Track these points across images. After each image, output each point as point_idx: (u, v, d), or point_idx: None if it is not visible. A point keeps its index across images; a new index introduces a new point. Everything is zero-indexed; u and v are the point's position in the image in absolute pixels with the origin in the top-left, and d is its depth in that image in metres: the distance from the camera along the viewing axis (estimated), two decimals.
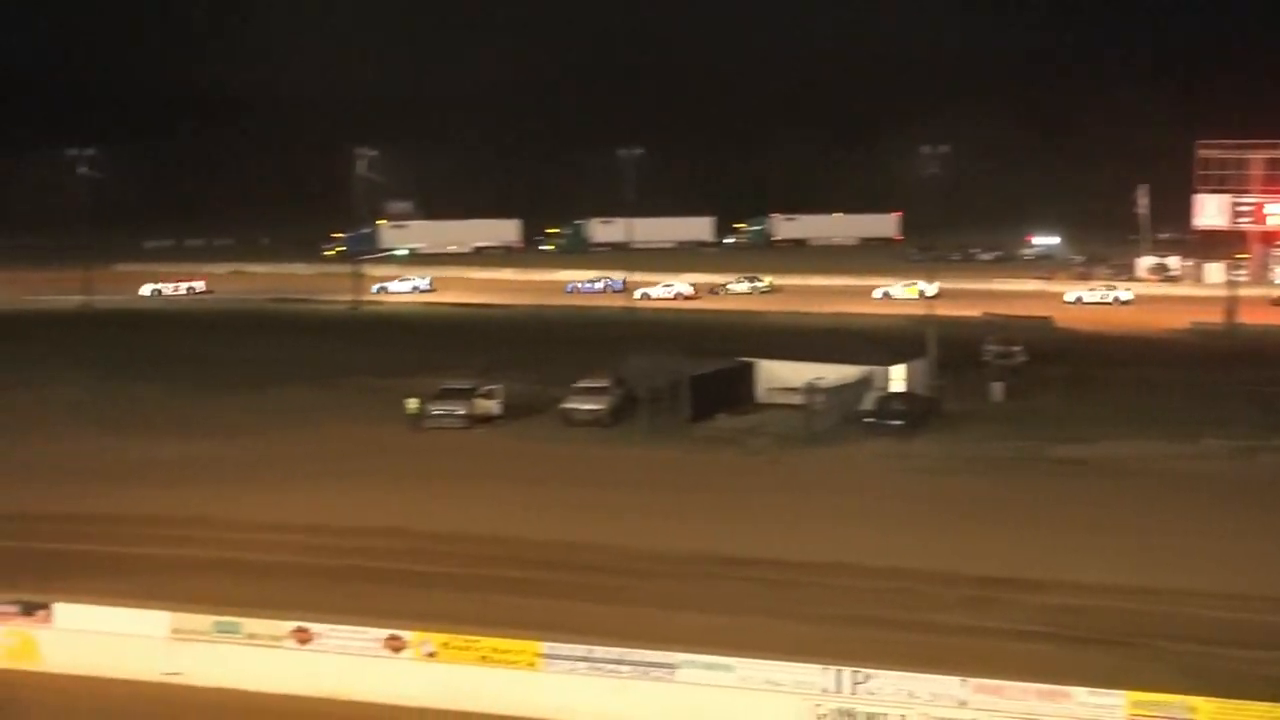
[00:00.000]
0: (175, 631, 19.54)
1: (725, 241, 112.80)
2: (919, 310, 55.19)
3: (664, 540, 25.33)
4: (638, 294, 73.19)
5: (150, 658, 19.19)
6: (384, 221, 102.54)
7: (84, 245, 71.94)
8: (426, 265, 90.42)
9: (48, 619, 19.73)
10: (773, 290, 78.04)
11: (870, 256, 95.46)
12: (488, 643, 17.83)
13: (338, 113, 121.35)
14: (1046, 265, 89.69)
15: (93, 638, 19.43)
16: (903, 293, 71.27)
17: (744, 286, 78.37)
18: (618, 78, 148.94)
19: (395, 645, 17.97)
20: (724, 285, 78.76)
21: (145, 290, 76.43)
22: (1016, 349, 44.05)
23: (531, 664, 17.59)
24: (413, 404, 36.93)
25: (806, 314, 64.98)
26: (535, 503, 28.35)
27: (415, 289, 79.46)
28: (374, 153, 77.69)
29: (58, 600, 19.98)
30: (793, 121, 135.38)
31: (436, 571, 23.19)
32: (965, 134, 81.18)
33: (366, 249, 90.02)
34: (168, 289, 77.77)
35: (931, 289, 60.05)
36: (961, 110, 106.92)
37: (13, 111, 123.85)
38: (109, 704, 18.18)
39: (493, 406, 38.02)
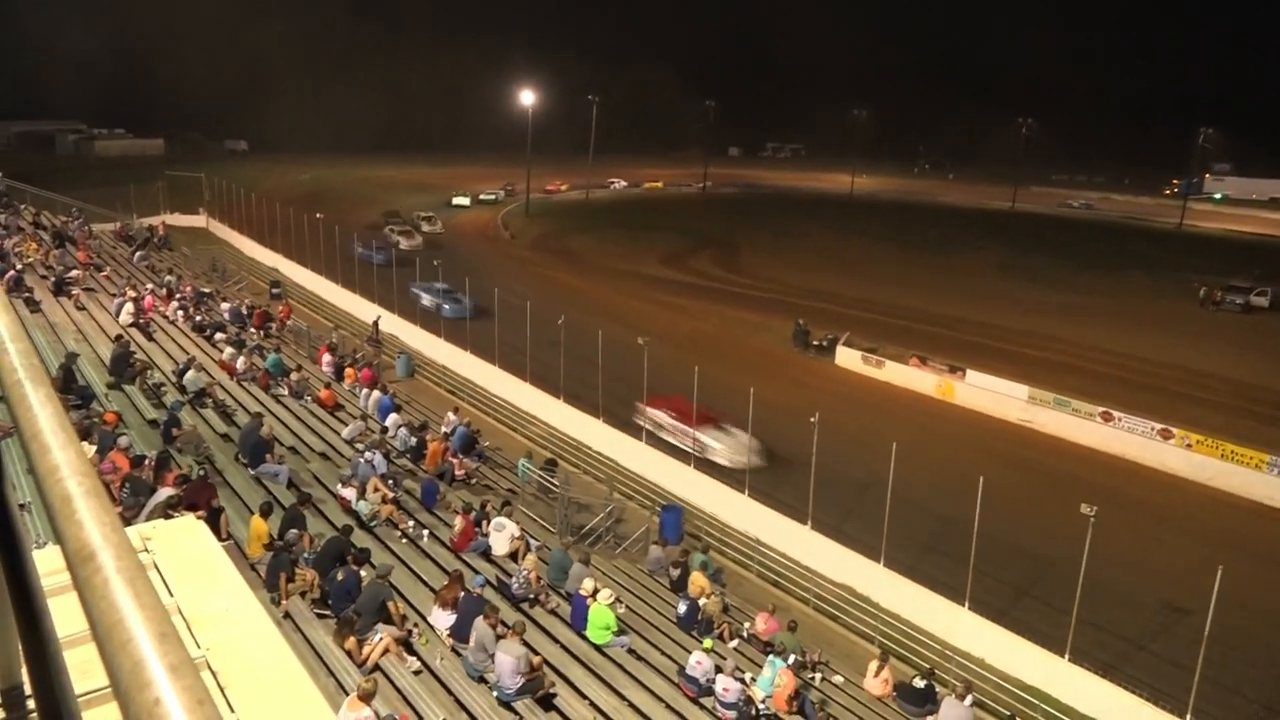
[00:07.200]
0: (1030, 398, 32.44)
1: None
2: None
3: None
4: None
5: (1013, 409, 32.26)
6: None
7: None
8: None
9: (963, 376, 33.97)
10: None
11: None
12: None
13: None
14: None
15: (983, 392, 33.13)
16: None
17: None
18: None
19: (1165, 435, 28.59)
20: None
21: None
22: None
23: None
24: None
25: None
26: None
27: None
28: None
29: (969, 368, 34.04)
30: None
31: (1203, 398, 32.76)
32: None
33: None
34: None
35: None
36: None
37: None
38: (986, 426, 31.67)
39: None
